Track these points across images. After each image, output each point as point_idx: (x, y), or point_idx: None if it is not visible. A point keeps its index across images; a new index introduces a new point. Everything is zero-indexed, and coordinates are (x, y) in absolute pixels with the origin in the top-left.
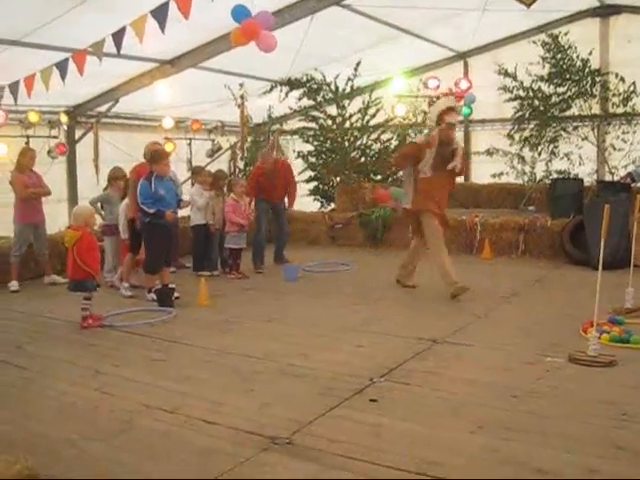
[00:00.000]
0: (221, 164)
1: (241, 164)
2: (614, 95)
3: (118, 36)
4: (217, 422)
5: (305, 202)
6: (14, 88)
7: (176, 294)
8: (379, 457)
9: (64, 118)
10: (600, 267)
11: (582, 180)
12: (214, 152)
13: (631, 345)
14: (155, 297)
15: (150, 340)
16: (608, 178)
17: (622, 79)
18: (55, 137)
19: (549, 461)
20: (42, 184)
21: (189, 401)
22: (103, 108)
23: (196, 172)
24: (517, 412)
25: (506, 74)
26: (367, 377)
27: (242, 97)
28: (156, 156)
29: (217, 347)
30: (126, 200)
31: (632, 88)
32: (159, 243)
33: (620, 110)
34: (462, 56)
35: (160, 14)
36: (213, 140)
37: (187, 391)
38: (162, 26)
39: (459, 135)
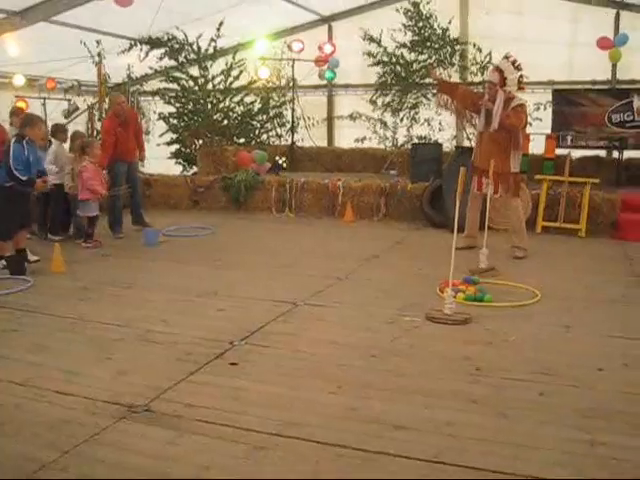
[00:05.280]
0: (78, 126)
1: (99, 125)
2: (472, 64)
3: None
4: (72, 393)
5: (167, 165)
6: None
7: (34, 257)
8: (238, 420)
9: None
10: (455, 229)
11: (441, 145)
12: (71, 113)
13: (484, 303)
14: (5, 264)
15: (1, 310)
16: (466, 144)
17: (479, 49)
18: None
19: (408, 417)
20: None
21: (42, 372)
22: None
23: (59, 130)
24: (376, 371)
25: (371, 39)
26: (227, 341)
27: (99, 55)
28: (33, 119)
29: (74, 316)
30: None
31: (488, 58)
32: (16, 208)
33: (477, 79)
34: (326, 20)
35: None
36: (69, 100)
37: (41, 362)
38: None
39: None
